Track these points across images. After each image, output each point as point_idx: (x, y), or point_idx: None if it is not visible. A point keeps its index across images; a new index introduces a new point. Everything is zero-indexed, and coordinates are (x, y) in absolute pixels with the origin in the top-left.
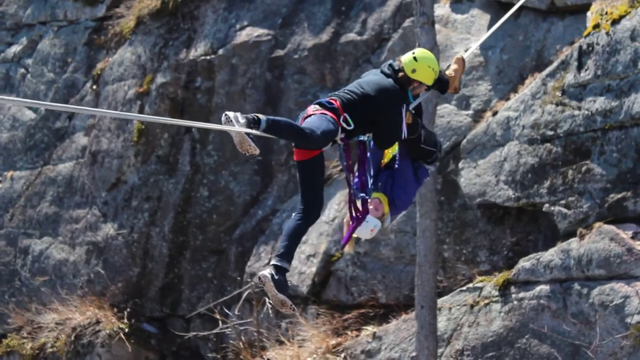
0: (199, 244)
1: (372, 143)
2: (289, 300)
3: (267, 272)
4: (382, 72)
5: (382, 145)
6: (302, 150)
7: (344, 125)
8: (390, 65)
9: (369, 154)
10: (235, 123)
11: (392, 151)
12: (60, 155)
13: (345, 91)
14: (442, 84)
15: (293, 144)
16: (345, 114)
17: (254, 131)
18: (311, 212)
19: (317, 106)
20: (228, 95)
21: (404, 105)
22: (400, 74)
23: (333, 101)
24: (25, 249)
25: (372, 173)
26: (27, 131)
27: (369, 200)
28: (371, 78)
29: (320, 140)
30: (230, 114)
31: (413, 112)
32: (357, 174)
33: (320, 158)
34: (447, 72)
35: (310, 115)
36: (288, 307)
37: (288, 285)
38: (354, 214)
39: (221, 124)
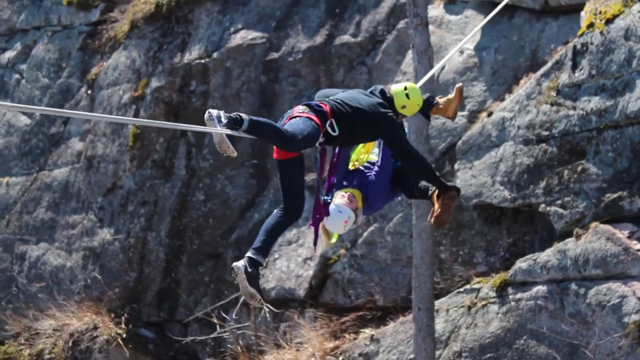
0: (195, 248)
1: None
2: (259, 294)
3: (241, 263)
4: (372, 94)
5: (399, 147)
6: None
7: (329, 130)
8: (381, 91)
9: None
10: (217, 122)
11: (365, 157)
12: (56, 161)
13: (337, 100)
14: (425, 111)
15: None
16: (332, 120)
17: (235, 132)
18: (292, 210)
19: (304, 107)
20: (223, 99)
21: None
22: (392, 107)
23: (322, 105)
24: (22, 255)
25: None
26: (22, 137)
27: (342, 195)
28: (363, 97)
29: (300, 145)
30: (214, 112)
31: None
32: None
33: (299, 158)
34: (441, 100)
35: (295, 117)
36: (257, 300)
37: (260, 278)
38: (316, 215)
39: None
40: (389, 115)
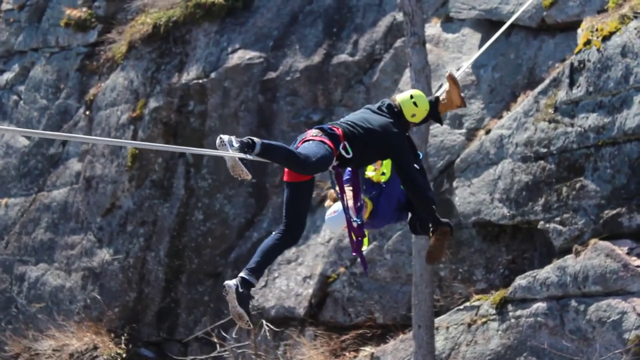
0: (194, 267)
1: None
2: (247, 316)
3: (233, 282)
4: (381, 110)
5: (405, 173)
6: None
7: (343, 153)
8: (389, 106)
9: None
10: (229, 147)
11: (384, 176)
12: (55, 182)
13: (349, 123)
14: (434, 113)
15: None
16: (345, 142)
17: (247, 156)
18: (292, 234)
19: (317, 131)
20: (221, 119)
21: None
22: (402, 118)
23: (335, 128)
24: (21, 276)
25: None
26: (21, 158)
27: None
28: (373, 117)
29: (314, 168)
30: (225, 137)
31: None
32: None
33: (311, 182)
34: (442, 96)
35: (308, 140)
36: (245, 322)
37: (251, 300)
38: (354, 239)
39: (215, 147)
40: (401, 136)
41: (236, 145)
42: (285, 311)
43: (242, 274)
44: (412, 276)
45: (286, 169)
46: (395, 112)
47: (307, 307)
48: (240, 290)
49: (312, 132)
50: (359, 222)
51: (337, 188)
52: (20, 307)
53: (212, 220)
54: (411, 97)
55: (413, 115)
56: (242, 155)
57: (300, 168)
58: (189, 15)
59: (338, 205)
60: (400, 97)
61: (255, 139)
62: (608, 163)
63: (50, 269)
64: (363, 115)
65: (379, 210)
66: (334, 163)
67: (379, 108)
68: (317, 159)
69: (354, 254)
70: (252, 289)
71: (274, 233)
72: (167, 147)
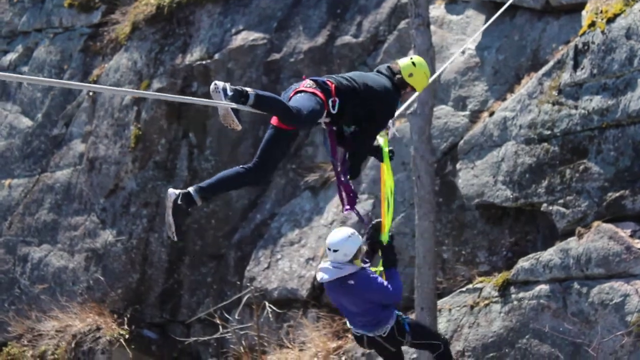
0: (198, 249)
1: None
2: (174, 227)
3: (175, 192)
4: (380, 72)
5: (366, 141)
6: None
7: (330, 107)
8: (388, 67)
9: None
10: (222, 95)
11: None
12: (58, 163)
13: (346, 77)
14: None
15: None
16: (336, 98)
17: (240, 106)
18: (257, 174)
19: (311, 82)
20: None
21: (395, 109)
22: (398, 76)
23: (329, 83)
24: (25, 257)
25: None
26: (24, 139)
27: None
28: (371, 75)
29: (305, 121)
30: (220, 84)
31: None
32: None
33: (295, 133)
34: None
35: (300, 91)
36: (172, 232)
37: (186, 215)
38: (344, 196)
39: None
40: (390, 91)
41: (230, 93)
42: (288, 293)
43: (189, 188)
44: (415, 258)
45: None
46: (393, 73)
47: (310, 289)
48: (179, 202)
49: (306, 83)
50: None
51: (330, 144)
52: (24, 288)
53: (215, 202)
54: (411, 59)
55: (410, 75)
56: (235, 105)
57: (292, 121)
58: None
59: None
60: (402, 60)
61: (250, 90)
62: (612, 145)
63: (53, 250)
64: (361, 73)
65: (387, 283)
66: (325, 119)
67: (378, 70)
68: (308, 112)
69: (347, 209)
70: (193, 206)
71: (240, 166)
72: (174, 97)
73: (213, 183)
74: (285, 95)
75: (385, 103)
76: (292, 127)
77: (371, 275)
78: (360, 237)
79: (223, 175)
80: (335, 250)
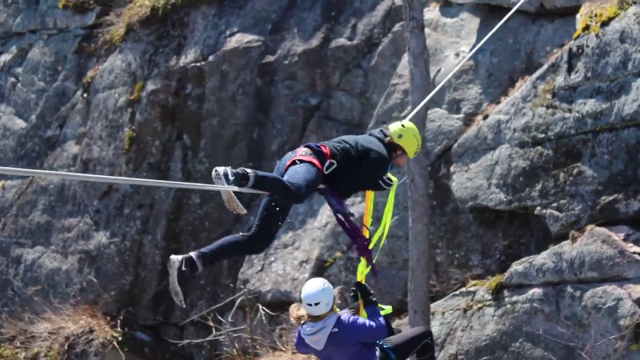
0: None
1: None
2: (182, 295)
3: (178, 259)
4: (372, 135)
5: (345, 191)
6: None
7: (324, 170)
8: (380, 130)
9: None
10: (224, 180)
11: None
12: (52, 164)
13: (338, 141)
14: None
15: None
16: (332, 160)
17: (242, 189)
18: (258, 242)
19: (306, 149)
20: (219, 102)
21: (385, 169)
22: (388, 138)
23: (322, 147)
24: (18, 258)
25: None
26: (18, 140)
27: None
28: (363, 136)
29: (306, 195)
30: (220, 169)
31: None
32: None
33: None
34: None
35: (295, 161)
36: (179, 300)
37: (190, 280)
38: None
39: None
40: (381, 153)
41: (232, 178)
42: (281, 295)
43: (191, 254)
44: (409, 261)
45: None
46: (385, 135)
47: None
48: (183, 269)
49: (302, 151)
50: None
51: (335, 201)
52: (17, 289)
53: (208, 204)
54: (402, 123)
55: (400, 136)
56: (237, 189)
57: (294, 198)
58: None
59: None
60: (392, 124)
61: (249, 171)
62: (605, 149)
63: (46, 252)
64: (352, 136)
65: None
66: (321, 186)
67: (371, 133)
68: (307, 187)
69: (359, 253)
70: (195, 273)
71: (241, 233)
72: (173, 184)
73: (214, 250)
74: (281, 164)
75: (376, 160)
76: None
77: (351, 318)
78: (330, 284)
79: (224, 243)
80: (316, 304)
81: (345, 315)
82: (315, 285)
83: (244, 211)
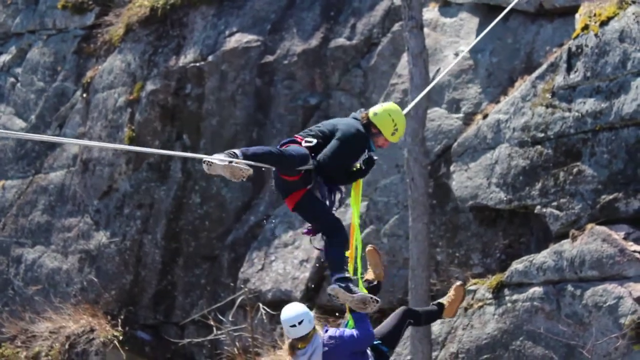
0: (191, 250)
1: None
2: (368, 296)
3: (336, 286)
4: (352, 116)
5: (331, 173)
6: (289, 199)
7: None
8: (360, 110)
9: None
10: (216, 160)
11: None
12: (52, 164)
13: (315, 125)
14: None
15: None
16: (307, 139)
17: (234, 158)
18: (331, 235)
19: (289, 141)
20: (218, 102)
21: (364, 149)
22: (362, 114)
23: (296, 137)
24: (18, 258)
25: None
26: (18, 140)
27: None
28: (343, 118)
29: (300, 162)
30: (208, 157)
31: (362, 165)
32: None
33: (308, 196)
34: (446, 300)
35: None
36: (369, 301)
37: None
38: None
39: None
40: (353, 129)
41: (222, 156)
42: (281, 294)
43: (334, 278)
44: (409, 260)
45: (285, 201)
46: (364, 116)
47: (304, 290)
48: (343, 285)
49: (284, 142)
50: None
51: (325, 191)
52: (17, 289)
53: (209, 204)
54: (383, 104)
55: (375, 114)
56: (229, 158)
57: (288, 162)
58: None
59: None
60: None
61: (237, 151)
62: (605, 148)
63: (47, 252)
64: (331, 120)
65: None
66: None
67: (352, 115)
68: (299, 155)
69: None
70: (351, 282)
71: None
72: (183, 154)
73: (337, 261)
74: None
75: (345, 133)
76: (296, 192)
77: (337, 332)
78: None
79: (327, 256)
80: (300, 322)
81: (332, 331)
82: (294, 307)
83: (250, 170)
